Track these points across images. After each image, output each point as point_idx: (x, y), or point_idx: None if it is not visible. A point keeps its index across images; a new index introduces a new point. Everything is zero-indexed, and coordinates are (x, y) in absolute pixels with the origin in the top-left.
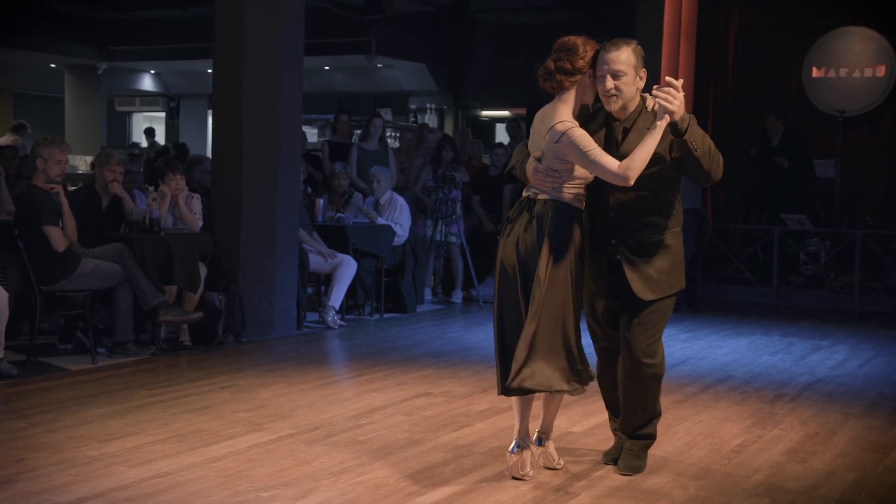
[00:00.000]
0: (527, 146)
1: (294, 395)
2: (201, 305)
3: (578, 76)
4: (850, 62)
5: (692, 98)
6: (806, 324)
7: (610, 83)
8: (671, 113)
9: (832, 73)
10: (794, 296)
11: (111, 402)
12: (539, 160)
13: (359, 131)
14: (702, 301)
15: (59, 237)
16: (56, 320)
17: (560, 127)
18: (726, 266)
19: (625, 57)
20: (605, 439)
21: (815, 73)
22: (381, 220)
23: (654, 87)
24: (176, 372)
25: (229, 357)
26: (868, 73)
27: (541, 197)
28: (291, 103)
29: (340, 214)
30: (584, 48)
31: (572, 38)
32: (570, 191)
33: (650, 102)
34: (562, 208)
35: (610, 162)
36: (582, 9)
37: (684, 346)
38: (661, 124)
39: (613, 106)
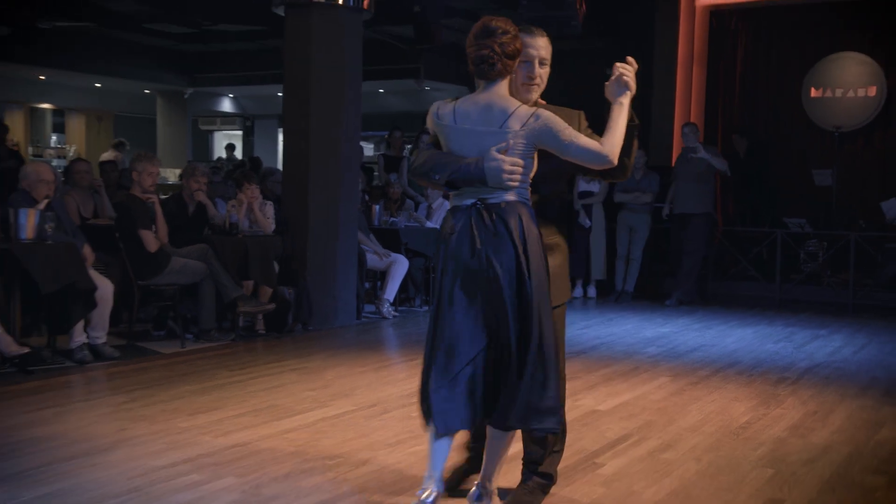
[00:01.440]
0: (436, 147)
1: (354, 376)
2: (274, 298)
3: (518, 59)
4: (845, 83)
5: (703, 115)
6: (806, 315)
7: (537, 70)
8: (630, 89)
9: (829, 94)
10: (795, 291)
11: (198, 380)
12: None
13: (409, 146)
14: (712, 295)
15: (152, 239)
16: (151, 310)
17: (524, 110)
18: (734, 264)
19: (545, 43)
20: (627, 416)
21: (813, 93)
22: (429, 224)
23: (616, 63)
24: (252, 356)
25: (298, 343)
26: (861, 93)
27: (505, 199)
28: (351, 122)
29: (394, 219)
30: (516, 29)
31: (499, 21)
32: (525, 189)
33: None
34: (529, 210)
35: (589, 141)
36: (607, 36)
37: (697, 335)
38: (627, 101)
39: (534, 96)
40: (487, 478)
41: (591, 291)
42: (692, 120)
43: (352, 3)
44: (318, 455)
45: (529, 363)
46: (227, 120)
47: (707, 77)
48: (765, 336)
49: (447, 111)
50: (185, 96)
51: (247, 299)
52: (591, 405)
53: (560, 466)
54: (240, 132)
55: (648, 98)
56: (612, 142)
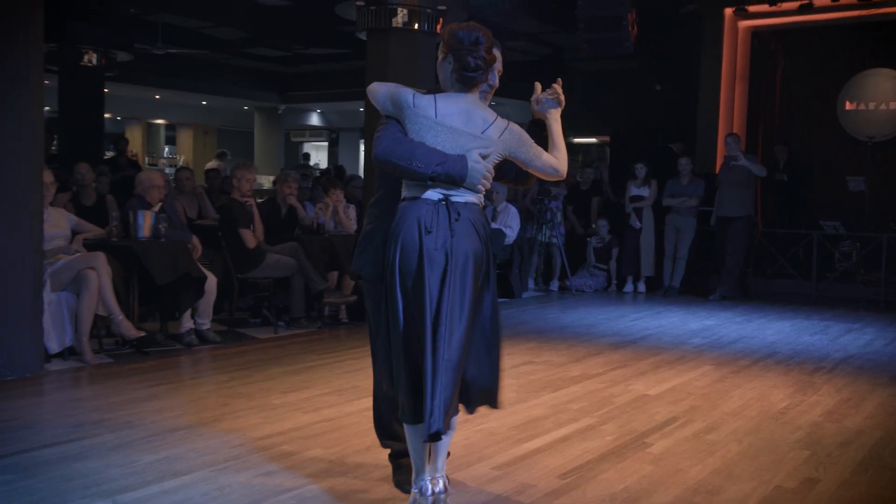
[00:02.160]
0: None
1: None
2: (355, 290)
3: None
4: (877, 97)
5: (745, 126)
6: (840, 311)
7: (497, 80)
8: (561, 105)
9: (863, 107)
10: (830, 288)
11: (289, 363)
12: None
13: None
14: (753, 291)
15: (251, 238)
16: (248, 301)
17: (501, 121)
18: (773, 263)
19: (500, 56)
20: (674, 401)
21: (848, 106)
22: (494, 225)
23: (538, 83)
24: (336, 341)
25: None
26: (893, 105)
27: (469, 200)
28: None
29: None
30: (492, 40)
31: (485, 31)
32: (483, 194)
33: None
34: (484, 212)
35: (549, 156)
36: (655, 57)
37: (738, 328)
38: (559, 115)
39: (486, 104)
40: (442, 469)
41: (641, 287)
42: (735, 131)
43: (426, 29)
44: None
45: (491, 344)
46: (315, 132)
47: (749, 92)
48: (802, 329)
49: (426, 103)
50: (279, 112)
51: (332, 291)
52: (641, 390)
53: (612, 446)
54: (325, 143)
55: (694, 111)
56: (563, 157)
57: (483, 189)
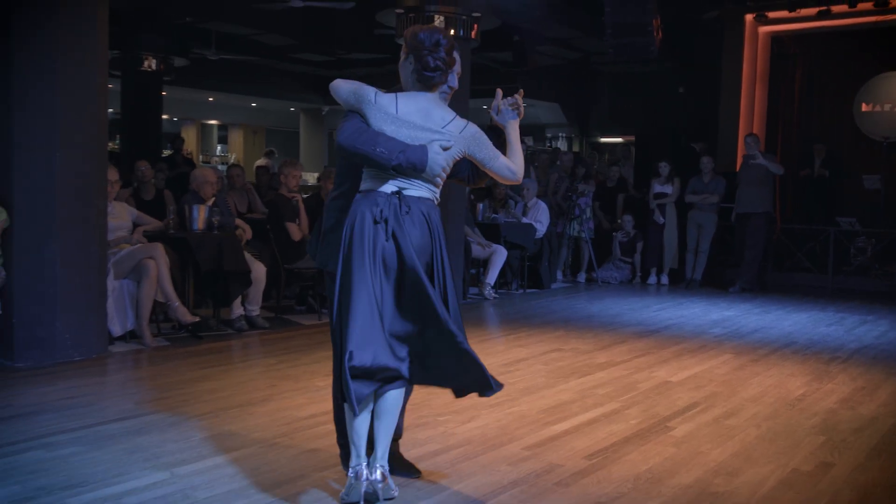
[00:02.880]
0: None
1: None
2: None
3: None
4: (892, 99)
5: (765, 127)
6: (855, 303)
7: (456, 81)
8: (520, 115)
9: (878, 108)
10: (845, 281)
11: (332, 347)
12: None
13: None
14: (771, 284)
15: (296, 230)
16: (294, 289)
17: (460, 120)
18: (791, 257)
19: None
20: (695, 387)
21: (864, 108)
22: (525, 220)
23: (501, 97)
24: None
25: None
26: None
27: (423, 195)
28: None
29: (495, 215)
30: (454, 43)
31: (447, 34)
32: (439, 190)
33: (499, 99)
34: (437, 209)
35: (506, 158)
36: (679, 61)
37: (757, 318)
38: (517, 124)
39: (446, 104)
40: (386, 456)
41: (664, 279)
42: (754, 131)
43: (461, 34)
44: (431, 413)
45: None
46: None
47: (769, 94)
48: (818, 320)
49: (388, 101)
50: (323, 113)
51: None
52: (663, 377)
53: (637, 429)
54: None
55: (716, 112)
56: (520, 162)
57: (440, 182)
